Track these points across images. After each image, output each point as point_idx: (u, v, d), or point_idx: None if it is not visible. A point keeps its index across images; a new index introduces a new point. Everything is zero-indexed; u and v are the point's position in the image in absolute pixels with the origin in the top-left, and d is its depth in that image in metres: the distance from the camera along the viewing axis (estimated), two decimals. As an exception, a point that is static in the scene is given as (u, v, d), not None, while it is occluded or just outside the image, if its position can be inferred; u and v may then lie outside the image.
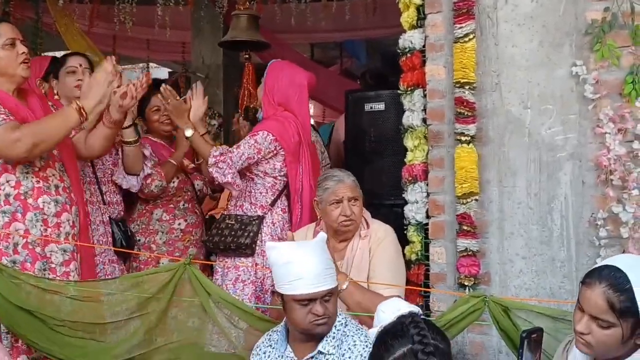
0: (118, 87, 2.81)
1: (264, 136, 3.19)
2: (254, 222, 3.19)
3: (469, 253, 2.56)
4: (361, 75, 5.45)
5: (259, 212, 3.24)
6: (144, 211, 3.63)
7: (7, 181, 2.60)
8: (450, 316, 2.26)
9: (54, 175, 2.72)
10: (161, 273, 2.49)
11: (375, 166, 3.58)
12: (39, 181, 2.65)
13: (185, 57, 7.43)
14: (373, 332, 1.78)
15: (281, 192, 3.30)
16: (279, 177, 3.28)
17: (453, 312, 2.26)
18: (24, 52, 2.66)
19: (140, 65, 8.85)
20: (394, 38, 2.90)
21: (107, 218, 3.34)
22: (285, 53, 6.36)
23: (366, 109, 3.62)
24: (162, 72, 9.29)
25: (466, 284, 2.55)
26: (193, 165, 3.77)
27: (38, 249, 2.62)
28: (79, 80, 3.23)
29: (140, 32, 6.83)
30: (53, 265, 2.65)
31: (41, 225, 2.63)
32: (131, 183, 3.41)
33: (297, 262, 2.06)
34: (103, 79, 2.70)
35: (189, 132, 3.21)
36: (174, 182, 3.63)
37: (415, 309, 1.78)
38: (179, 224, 3.64)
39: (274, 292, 2.18)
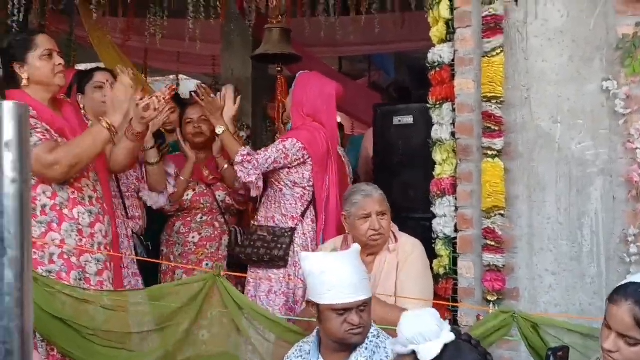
0: (141, 99, 2.85)
1: (293, 143, 3.23)
2: (286, 234, 3.22)
3: (494, 268, 2.55)
4: (386, 88, 5.46)
5: (291, 224, 3.26)
6: (170, 223, 3.72)
7: (44, 192, 2.65)
8: (479, 332, 2.26)
9: (87, 185, 2.77)
10: (191, 284, 2.52)
11: (403, 179, 3.58)
12: (74, 192, 2.70)
13: (215, 69, 7.50)
14: (392, 341, 1.78)
15: (310, 202, 3.32)
16: (307, 187, 3.30)
17: (481, 328, 2.26)
18: (60, 64, 2.73)
19: (171, 77, 8.97)
20: (422, 51, 2.91)
21: (131, 232, 3.38)
22: (314, 65, 6.38)
23: (394, 123, 3.63)
24: (191, 85, 9.39)
25: (489, 299, 2.54)
26: (213, 176, 3.78)
27: (73, 259, 2.66)
28: (105, 95, 3.29)
29: (170, 45, 6.92)
30: (88, 275, 2.69)
31: (76, 236, 2.68)
32: (154, 200, 3.49)
33: (333, 272, 2.09)
34: (123, 92, 2.77)
35: (220, 129, 3.29)
36: (187, 194, 3.67)
37: (436, 322, 1.75)
38: (193, 237, 3.66)
39: (308, 302, 2.20)
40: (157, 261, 3.45)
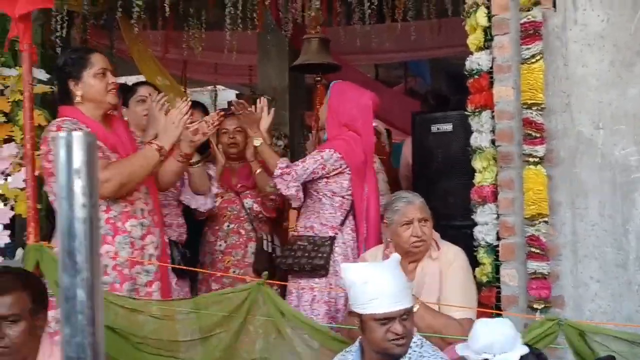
0: (190, 122, 2.93)
1: (330, 154, 3.26)
2: (326, 243, 3.24)
3: (539, 276, 2.53)
4: (423, 97, 5.46)
5: (330, 233, 3.28)
6: (203, 232, 3.79)
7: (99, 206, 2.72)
8: (524, 340, 2.24)
9: (139, 199, 2.84)
10: (236, 293, 2.56)
11: (443, 187, 3.58)
12: (126, 205, 2.77)
13: (252, 79, 7.58)
14: (461, 346, 1.77)
15: (349, 211, 3.34)
16: (346, 197, 3.32)
17: (527, 336, 2.23)
18: (112, 82, 2.80)
19: (209, 88, 9.09)
20: (459, 57, 2.91)
21: (167, 240, 3.44)
22: (350, 74, 6.42)
23: (433, 131, 3.63)
24: (229, 95, 9.50)
25: (536, 307, 2.52)
26: (241, 184, 3.82)
27: (126, 271, 2.72)
28: (147, 109, 3.37)
29: (208, 56, 7.02)
30: (137, 286, 2.75)
31: (129, 248, 2.74)
32: (200, 202, 3.52)
33: (375, 282, 2.09)
34: (178, 120, 2.82)
35: (257, 142, 3.35)
36: (216, 201, 3.70)
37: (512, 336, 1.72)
38: (220, 245, 3.73)
39: (350, 313, 2.21)
40: (191, 269, 3.48)
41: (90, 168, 0.59)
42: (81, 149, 0.58)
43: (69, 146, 0.58)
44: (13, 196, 3.24)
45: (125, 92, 3.55)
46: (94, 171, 0.59)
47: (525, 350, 1.63)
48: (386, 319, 2.06)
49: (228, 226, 3.75)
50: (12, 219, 3.29)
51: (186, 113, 2.83)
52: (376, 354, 2.13)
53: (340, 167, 3.28)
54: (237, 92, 9.82)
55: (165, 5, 5.14)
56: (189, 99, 2.99)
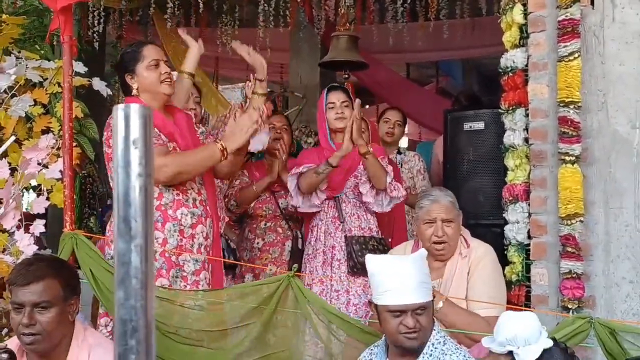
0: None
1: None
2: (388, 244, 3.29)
3: (573, 275, 2.51)
4: (455, 96, 5.44)
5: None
6: (242, 229, 3.85)
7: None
8: (555, 337, 2.23)
9: (192, 188, 2.88)
10: (266, 285, 2.59)
11: (473, 186, 3.56)
12: (178, 194, 2.82)
13: (283, 77, 7.62)
14: (487, 340, 1.77)
15: None
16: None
17: (557, 334, 2.22)
18: (166, 72, 2.85)
19: (240, 85, 9.15)
20: (491, 57, 2.91)
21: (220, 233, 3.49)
22: (381, 72, 6.43)
23: (465, 129, 3.62)
24: (266, 138, 9.54)
25: (570, 307, 2.50)
26: (277, 184, 3.84)
27: (173, 257, 2.77)
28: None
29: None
30: (185, 274, 2.79)
31: (178, 236, 2.78)
32: (261, 142, 3.59)
33: (390, 274, 2.11)
34: (247, 127, 2.83)
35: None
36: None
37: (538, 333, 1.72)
38: (257, 242, 3.77)
39: (369, 302, 2.23)
40: (240, 263, 3.54)
41: (146, 139, 0.62)
42: (138, 120, 0.61)
43: (127, 117, 0.61)
44: (49, 186, 3.30)
45: None
46: (149, 142, 0.62)
47: (549, 343, 1.63)
48: (399, 312, 2.08)
49: (265, 224, 3.79)
50: (46, 208, 3.36)
51: (256, 122, 2.84)
52: (395, 347, 2.14)
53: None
54: (268, 89, 9.88)
55: (199, 1, 5.20)
56: (263, 108, 2.97)
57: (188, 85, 3.26)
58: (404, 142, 5.73)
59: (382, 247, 3.32)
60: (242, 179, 3.79)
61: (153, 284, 0.61)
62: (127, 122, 0.60)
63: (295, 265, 2.60)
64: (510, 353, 1.66)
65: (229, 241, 3.58)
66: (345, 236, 3.34)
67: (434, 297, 2.22)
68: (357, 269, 3.27)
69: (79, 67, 3.45)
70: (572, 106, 2.52)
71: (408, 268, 2.12)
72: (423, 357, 2.11)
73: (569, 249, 2.50)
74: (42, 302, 2.20)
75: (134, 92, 2.84)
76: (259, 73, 3.46)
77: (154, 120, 2.70)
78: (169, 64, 2.95)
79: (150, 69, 2.83)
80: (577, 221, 2.50)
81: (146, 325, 0.59)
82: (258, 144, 3.56)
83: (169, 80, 2.86)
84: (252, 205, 3.76)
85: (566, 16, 2.54)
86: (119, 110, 0.61)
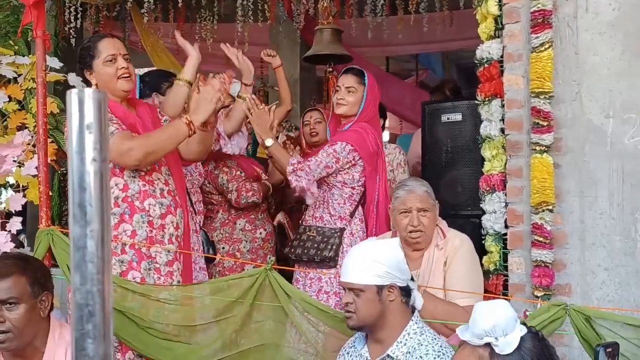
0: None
1: (343, 146, 3.24)
2: (335, 235, 3.24)
3: (541, 264, 2.54)
4: (436, 87, 5.44)
5: (339, 224, 3.28)
6: (227, 221, 3.80)
7: (116, 184, 2.70)
8: (525, 323, 2.25)
9: (159, 179, 2.82)
10: (244, 278, 2.58)
11: (452, 177, 3.58)
12: (145, 184, 2.75)
13: (263, 71, 7.60)
14: (461, 330, 1.76)
15: (359, 202, 3.34)
16: (356, 187, 3.32)
17: (533, 321, 2.24)
18: (123, 67, 2.75)
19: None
20: (471, 50, 2.92)
21: (198, 227, 3.47)
22: (361, 65, 6.42)
23: (442, 120, 3.63)
24: (239, 87, 9.52)
25: (537, 294, 2.53)
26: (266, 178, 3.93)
27: (144, 249, 2.72)
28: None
29: (220, 48, 7.04)
30: (157, 265, 2.75)
31: (147, 227, 2.73)
32: (240, 145, 3.69)
33: (350, 251, 2.25)
34: (211, 96, 2.75)
35: (269, 142, 3.27)
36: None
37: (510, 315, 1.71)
38: (260, 233, 3.83)
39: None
40: (224, 257, 3.53)
41: (101, 124, 0.61)
42: (93, 105, 0.60)
43: (81, 102, 0.60)
44: (25, 182, 3.27)
45: (162, 81, 3.55)
46: (104, 127, 0.61)
47: (524, 330, 1.63)
48: (343, 289, 2.20)
49: (261, 215, 3.89)
50: (24, 206, 3.33)
51: (219, 90, 2.75)
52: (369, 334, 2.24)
53: (354, 159, 3.27)
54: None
55: (177, -4, 5.17)
56: (223, 76, 2.88)
57: (185, 94, 3.21)
58: (385, 136, 5.73)
59: (321, 237, 3.26)
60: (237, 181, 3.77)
61: (110, 269, 0.61)
62: (81, 106, 0.60)
63: (272, 259, 2.60)
64: (488, 345, 1.64)
65: (207, 234, 3.57)
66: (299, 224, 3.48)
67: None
68: (294, 258, 3.31)
69: (54, 62, 3.41)
70: (543, 96, 2.54)
71: (361, 249, 2.21)
72: (397, 345, 2.12)
73: (538, 238, 2.53)
74: (9, 299, 2.18)
75: (94, 88, 2.75)
76: (246, 78, 3.45)
77: (115, 112, 2.72)
78: (128, 57, 2.83)
79: (107, 64, 2.74)
80: (545, 210, 2.52)
81: (103, 310, 0.59)
82: (234, 90, 3.56)
83: (126, 75, 2.76)
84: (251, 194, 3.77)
85: (538, 7, 2.56)
86: (72, 94, 0.60)
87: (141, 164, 2.69)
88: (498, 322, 1.64)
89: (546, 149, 2.53)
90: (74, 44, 5.67)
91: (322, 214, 3.33)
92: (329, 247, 3.20)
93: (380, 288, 2.13)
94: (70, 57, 4.14)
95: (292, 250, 3.31)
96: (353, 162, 3.27)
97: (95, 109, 0.60)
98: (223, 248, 3.73)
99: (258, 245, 3.81)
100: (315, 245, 3.24)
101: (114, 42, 2.81)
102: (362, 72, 3.45)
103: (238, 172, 3.74)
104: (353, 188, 3.30)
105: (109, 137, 0.64)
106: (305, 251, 3.24)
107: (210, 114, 2.78)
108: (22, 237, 4.96)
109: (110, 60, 2.75)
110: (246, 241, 3.78)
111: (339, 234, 3.24)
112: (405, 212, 2.76)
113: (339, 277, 3.14)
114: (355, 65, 3.68)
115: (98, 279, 0.59)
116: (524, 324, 1.66)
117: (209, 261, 3.47)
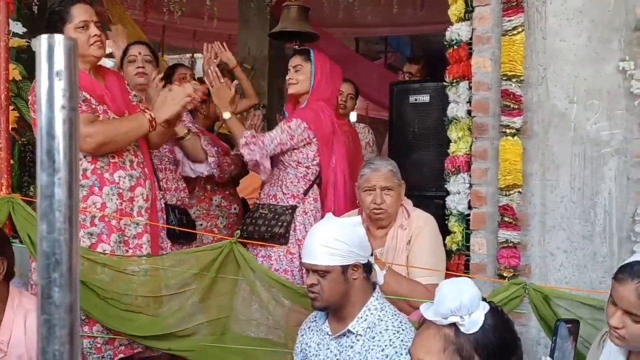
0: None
1: (298, 124, 3.22)
2: (287, 212, 3.22)
3: (510, 245, 2.58)
4: (423, 59, 5.38)
5: (292, 202, 3.26)
6: (203, 197, 3.79)
7: (84, 156, 2.66)
8: (485, 298, 2.28)
9: (128, 150, 2.79)
10: (209, 250, 2.58)
11: (418, 158, 3.60)
12: (114, 156, 2.72)
13: (231, 48, 7.53)
14: (424, 307, 1.76)
15: (313, 181, 3.33)
16: (311, 167, 3.30)
17: (493, 299, 2.28)
18: (95, 35, 2.70)
19: (187, 55, 9.01)
20: (440, 34, 2.93)
21: (163, 204, 3.42)
22: (331, 45, 6.41)
23: (410, 101, 3.65)
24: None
25: (505, 275, 2.58)
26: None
27: (114, 222, 2.68)
28: (138, 67, 3.42)
29: (188, 22, 6.95)
30: (126, 238, 2.72)
31: (117, 199, 2.69)
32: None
33: (311, 232, 2.23)
34: (179, 98, 2.76)
35: (227, 115, 3.24)
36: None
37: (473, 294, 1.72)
38: (235, 208, 3.87)
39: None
40: (187, 230, 3.47)
41: (71, 71, 0.60)
42: (63, 51, 0.59)
43: (50, 48, 0.59)
44: (-15, 150, 3.19)
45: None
46: (74, 74, 0.60)
47: (487, 307, 1.64)
48: (306, 270, 2.19)
49: (232, 191, 3.94)
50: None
51: (189, 95, 2.77)
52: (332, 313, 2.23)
53: (308, 137, 3.24)
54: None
55: (146, -34, 5.07)
56: (200, 88, 2.93)
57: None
58: (353, 116, 5.73)
59: (273, 214, 3.25)
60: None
61: (77, 219, 0.60)
62: (50, 53, 0.58)
63: (238, 232, 2.59)
64: (453, 324, 1.63)
65: (176, 211, 3.51)
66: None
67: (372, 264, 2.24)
68: (246, 235, 3.25)
69: (17, 27, 3.33)
70: (514, 80, 2.57)
71: (324, 229, 2.17)
72: (357, 320, 2.14)
73: (507, 219, 2.57)
74: None
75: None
76: (230, 63, 3.44)
77: (83, 83, 2.67)
78: (100, 24, 2.77)
79: (79, 30, 2.68)
80: (515, 192, 2.56)
81: (70, 259, 0.58)
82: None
83: (99, 42, 2.72)
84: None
85: (510, -10, 2.57)
86: (42, 40, 0.59)
87: (95, 152, 2.66)
88: (463, 301, 1.63)
89: (516, 132, 2.57)
90: (35, 12, 5.52)
91: (275, 192, 3.30)
92: (280, 223, 3.18)
93: (344, 268, 2.13)
94: (32, 25, 4.04)
95: (245, 228, 3.26)
96: (307, 140, 3.24)
97: (65, 56, 0.58)
98: (201, 225, 3.70)
99: (233, 220, 3.81)
100: (267, 222, 3.21)
101: (86, 8, 2.75)
102: (307, 51, 3.45)
103: (215, 149, 3.70)
104: (308, 167, 3.28)
105: (78, 84, 0.63)
106: (257, 228, 3.20)
107: (174, 115, 2.79)
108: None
109: (83, 27, 2.69)
110: (222, 217, 3.78)
111: (290, 211, 3.23)
112: (369, 189, 2.78)
113: (289, 254, 3.19)
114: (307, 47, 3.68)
115: (65, 227, 0.58)
116: (484, 300, 1.67)
117: (189, 240, 3.42)
